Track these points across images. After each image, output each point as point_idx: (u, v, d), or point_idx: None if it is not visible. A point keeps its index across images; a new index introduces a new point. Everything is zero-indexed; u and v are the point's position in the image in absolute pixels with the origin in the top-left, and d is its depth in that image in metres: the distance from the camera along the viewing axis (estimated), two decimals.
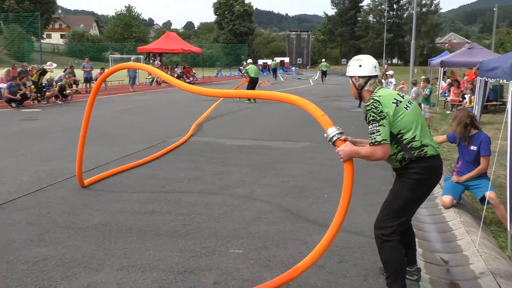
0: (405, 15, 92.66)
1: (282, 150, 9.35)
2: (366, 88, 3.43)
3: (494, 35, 48.23)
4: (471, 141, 5.49)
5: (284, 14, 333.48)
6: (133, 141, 10.00)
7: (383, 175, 7.20)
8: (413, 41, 21.81)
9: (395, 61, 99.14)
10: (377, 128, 3.17)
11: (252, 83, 19.23)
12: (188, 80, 32.92)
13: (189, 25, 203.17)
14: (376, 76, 3.44)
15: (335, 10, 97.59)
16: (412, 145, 3.27)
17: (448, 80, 21.02)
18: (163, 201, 5.84)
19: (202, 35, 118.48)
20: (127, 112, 15.50)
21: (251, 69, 19.41)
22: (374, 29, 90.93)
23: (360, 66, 3.44)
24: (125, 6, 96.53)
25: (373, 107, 3.21)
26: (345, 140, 3.34)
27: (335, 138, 3.32)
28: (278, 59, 56.40)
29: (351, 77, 3.51)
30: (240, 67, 55.09)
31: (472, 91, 15.00)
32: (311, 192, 6.33)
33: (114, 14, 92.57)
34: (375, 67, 3.44)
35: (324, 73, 40.30)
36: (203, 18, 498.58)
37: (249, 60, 20.73)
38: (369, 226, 5.02)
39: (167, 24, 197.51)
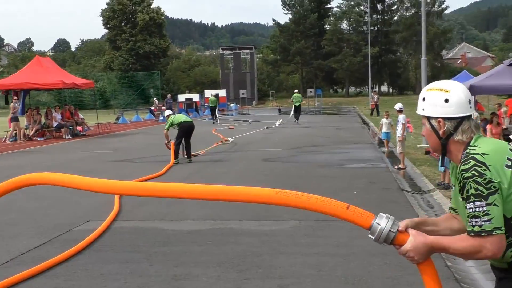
0: (395, 18, 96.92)
1: (260, 234, 9.31)
2: (456, 137, 3.24)
3: None
4: None
5: (209, 24, 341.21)
6: (17, 234, 9.73)
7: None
8: (423, 57, 22.80)
9: (384, 88, 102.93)
10: (484, 208, 2.95)
11: (186, 131, 19.26)
12: (76, 132, 32.49)
13: (62, 44, 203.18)
14: (470, 117, 3.28)
15: (290, 16, 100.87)
16: None
17: (476, 114, 21.94)
18: None
19: (85, 60, 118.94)
20: None
21: (177, 118, 19.56)
22: (351, 41, 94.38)
23: (446, 100, 3.24)
24: None
25: (476, 173, 2.99)
26: (406, 230, 3.11)
27: (392, 234, 3.07)
28: (211, 93, 56.96)
29: (428, 118, 3.33)
30: (152, 107, 55.38)
31: None
32: None
33: None
34: (469, 101, 3.27)
35: (297, 109, 42.48)
36: (85, 33, 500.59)
37: (168, 112, 20.86)
38: None
39: (26, 44, 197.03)
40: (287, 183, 14.20)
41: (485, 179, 2.94)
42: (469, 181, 2.97)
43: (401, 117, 17.47)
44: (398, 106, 17.96)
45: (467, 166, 3.01)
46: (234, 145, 24.70)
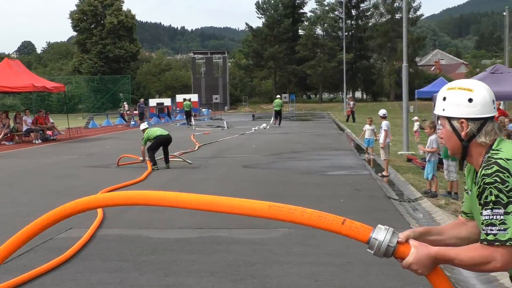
0: (369, 24, 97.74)
1: (251, 243, 9.23)
2: (479, 140, 3.13)
3: (507, 51, 51.13)
4: None
5: (178, 28, 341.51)
6: None
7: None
8: (405, 64, 22.91)
9: (358, 94, 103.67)
10: (502, 217, 2.85)
11: (163, 142, 19.22)
12: (46, 137, 32.14)
13: (27, 46, 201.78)
14: (493, 118, 3.17)
15: (263, 20, 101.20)
16: None
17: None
18: None
19: (52, 63, 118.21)
20: None
21: (153, 132, 19.32)
22: (326, 47, 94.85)
23: (470, 100, 3.12)
24: None
25: (498, 179, 2.88)
26: (407, 241, 3.01)
27: (392, 248, 2.97)
28: (183, 97, 56.96)
29: (449, 119, 3.21)
30: (120, 110, 55.25)
31: (510, 137, 15.76)
32: None
33: None
34: (493, 101, 3.16)
35: (278, 114, 45.58)
36: (51, 36, 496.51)
37: (144, 125, 20.40)
38: None
39: None
40: (270, 190, 14.17)
41: (507, 186, 2.84)
42: (490, 187, 2.87)
43: (384, 123, 17.49)
44: (382, 112, 17.99)
45: (489, 171, 2.90)
46: (212, 151, 24.62)
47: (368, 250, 2.96)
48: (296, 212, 3.06)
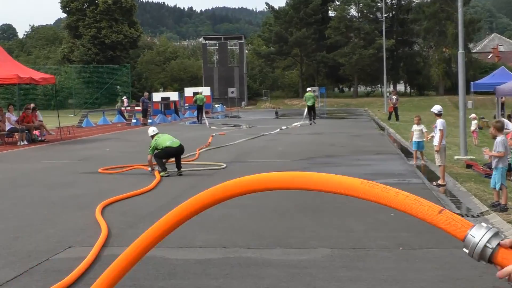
0: (413, 4, 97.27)
1: (287, 266, 9.14)
2: None
3: None
4: None
5: (185, 9, 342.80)
6: None
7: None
8: (461, 51, 22.70)
9: (400, 87, 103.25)
10: None
11: (172, 154, 19.25)
12: (33, 137, 32.23)
13: (7, 31, 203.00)
14: None
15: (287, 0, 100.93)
16: None
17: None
18: None
19: (37, 50, 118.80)
20: None
21: (162, 141, 19.18)
22: (362, 31, 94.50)
23: None
24: None
25: None
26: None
27: (489, 249, 2.83)
28: (192, 91, 57.17)
29: None
30: (121, 108, 55.35)
31: None
32: None
33: None
34: None
35: (311, 109, 45.99)
36: (35, 18, 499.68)
37: (152, 131, 19.97)
38: None
39: None
40: (304, 202, 14.05)
41: None
42: None
43: (440, 122, 17.25)
44: (436, 108, 17.81)
45: None
46: (232, 155, 24.57)
47: (463, 249, 2.82)
48: (390, 192, 2.95)
